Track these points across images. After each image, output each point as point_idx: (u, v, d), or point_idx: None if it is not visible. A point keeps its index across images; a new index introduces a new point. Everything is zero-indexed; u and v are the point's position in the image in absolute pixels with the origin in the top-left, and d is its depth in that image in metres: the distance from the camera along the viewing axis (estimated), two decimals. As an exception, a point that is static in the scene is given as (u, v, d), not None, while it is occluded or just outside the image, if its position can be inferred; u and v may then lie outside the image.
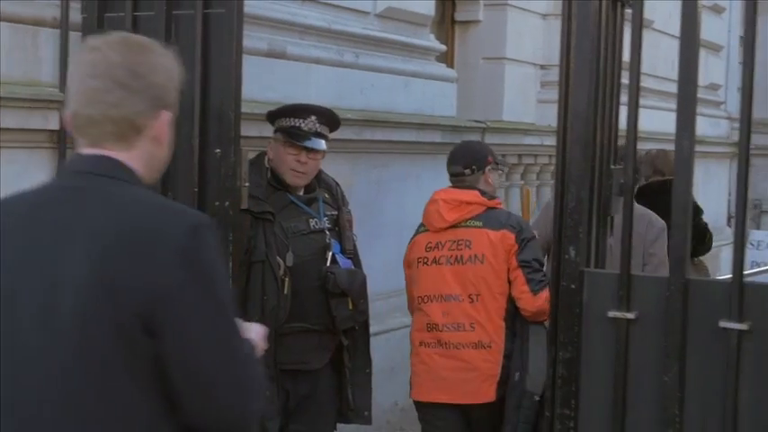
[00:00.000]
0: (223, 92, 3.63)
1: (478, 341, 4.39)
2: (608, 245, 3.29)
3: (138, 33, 3.83)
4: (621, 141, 3.29)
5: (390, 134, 6.20)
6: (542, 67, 8.67)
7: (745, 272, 5.96)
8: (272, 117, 4.37)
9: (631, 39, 3.05)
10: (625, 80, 3.13)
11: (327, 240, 4.28)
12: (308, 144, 4.22)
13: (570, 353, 3.05)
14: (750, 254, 9.37)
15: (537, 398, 4.20)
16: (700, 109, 10.90)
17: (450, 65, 7.99)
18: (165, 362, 1.97)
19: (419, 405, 4.62)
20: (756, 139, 13.60)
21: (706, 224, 6.29)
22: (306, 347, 4.22)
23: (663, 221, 4.96)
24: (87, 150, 2.10)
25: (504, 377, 4.38)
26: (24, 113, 4.01)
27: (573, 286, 3.05)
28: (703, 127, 11.06)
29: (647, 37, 8.98)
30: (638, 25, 3.04)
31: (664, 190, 5.29)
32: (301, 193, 4.33)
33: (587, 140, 3.08)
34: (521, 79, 8.50)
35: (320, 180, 4.44)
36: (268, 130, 4.51)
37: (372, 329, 4.65)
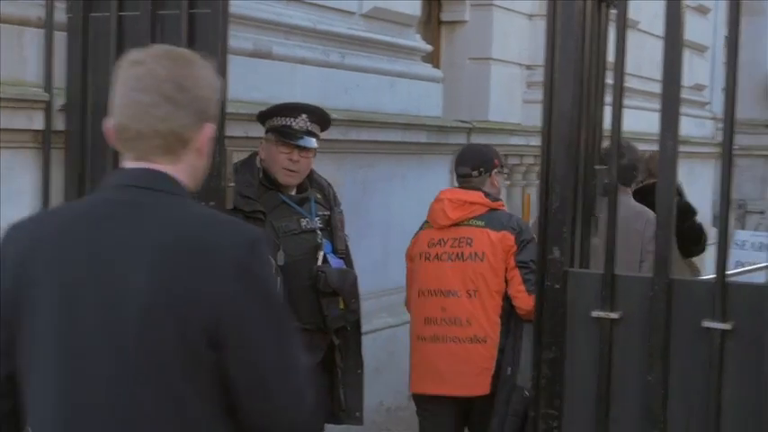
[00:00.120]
0: (208, 92, 3.62)
1: (474, 336, 4.52)
2: (595, 244, 3.30)
3: (123, 34, 3.85)
4: (607, 142, 3.31)
5: (376, 134, 6.21)
6: (528, 67, 8.69)
7: (729, 272, 6.01)
8: (263, 117, 4.37)
9: (616, 39, 3.06)
10: (610, 80, 3.14)
11: (319, 240, 4.29)
12: (300, 143, 4.23)
13: (554, 353, 3.05)
14: (735, 254, 9.39)
15: (527, 393, 4.24)
16: (684, 109, 10.89)
17: (437, 65, 8.00)
18: (226, 370, 2.04)
19: (417, 398, 4.75)
20: (741, 140, 13.66)
21: (701, 225, 6.34)
22: None
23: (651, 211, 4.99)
24: (134, 164, 2.12)
25: (497, 371, 4.50)
26: (9, 113, 4.00)
27: (557, 286, 3.06)
28: (688, 127, 11.09)
29: (633, 37, 9.02)
30: (623, 26, 3.05)
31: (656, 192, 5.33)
32: (293, 192, 4.33)
33: (571, 140, 3.09)
34: (507, 79, 8.51)
35: (312, 180, 4.45)
36: (254, 130, 4.51)
37: (359, 329, 4.66)
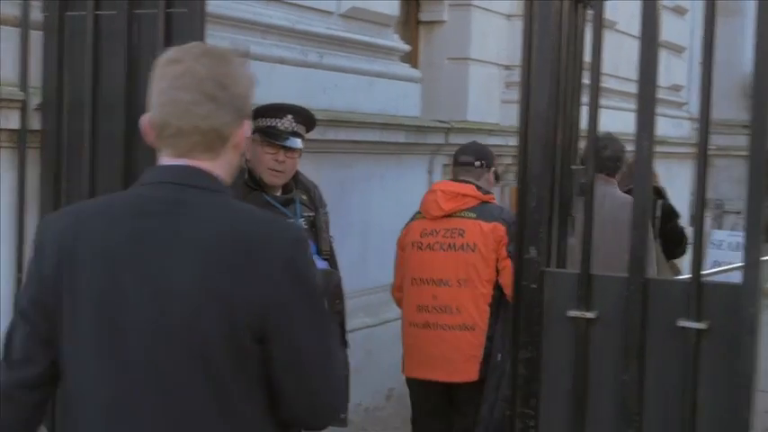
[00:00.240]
0: (185, 91, 3.61)
1: (463, 323, 4.71)
2: (573, 244, 3.31)
3: (99, 33, 3.83)
4: (584, 142, 3.32)
5: (354, 134, 6.20)
6: (506, 67, 8.70)
7: (705, 271, 6.04)
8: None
9: (593, 39, 3.07)
10: (587, 80, 3.15)
11: None
12: (286, 143, 4.25)
13: (531, 352, 3.06)
14: (712, 254, 9.45)
15: None
16: (662, 110, 10.95)
17: (415, 65, 8.00)
18: (271, 365, 2.10)
19: (408, 381, 4.95)
20: (718, 140, 13.73)
21: (683, 228, 6.43)
22: None
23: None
24: (175, 161, 2.14)
25: (486, 358, 4.66)
26: (-16, 112, 3.98)
27: (534, 286, 3.07)
28: (665, 128, 11.14)
29: (611, 38, 9.05)
30: (599, 26, 3.06)
31: None
32: (278, 193, 4.34)
33: (548, 140, 3.10)
34: (485, 79, 8.53)
35: (298, 182, 4.46)
36: (231, 129, 4.49)
37: (337, 329, 4.66)
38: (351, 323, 5.80)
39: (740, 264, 2.87)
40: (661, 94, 11.61)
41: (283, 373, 2.12)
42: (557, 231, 3.20)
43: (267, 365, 2.10)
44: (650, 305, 2.92)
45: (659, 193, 6.30)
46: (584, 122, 3.30)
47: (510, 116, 7.93)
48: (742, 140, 2.86)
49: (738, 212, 12.48)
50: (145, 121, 2.17)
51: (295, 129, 4.30)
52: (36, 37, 4.08)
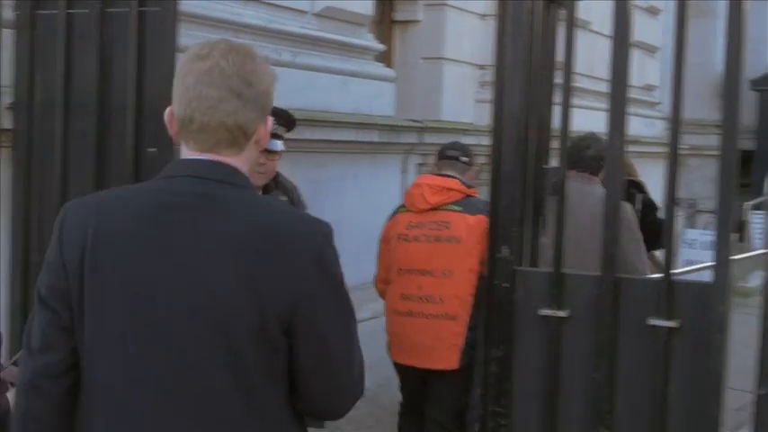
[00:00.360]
0: (158, 90, 3.60)
1: (445, 313, 4.79)
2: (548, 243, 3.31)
3: (72, 31, 3.81)
4: (556, 141, 3.32)
5: (328, 134, 6.20)
6: (481, 67, 8.72)
7: (676, 270, 6.08)
8: None
9: (565, 39, 3.08)
10: (559, 80, 3.16)
11: None
12: (268, 146, 4.22)
13: (503, 350, 3.07)
14: (684, 253, 9.47)
15: None
16: (635, 109, 11.01)
17: (389, 64, 8.00)
18: (297, 357, 2.15)
19: (395, 364, 5.07)
20: (691, 140, 13.79)
21: (661, 220, 6.51)
22: None
23: (624, 202, 5.18)
24: (200, 155, 2.17)
25: (466, 347, 4.74)
26: (-45, 111, 3.96)
27: (506, 285, 3.07)
28: (639, 127, 11.20)
29: (585, 38, 9.08)
30: (571, 26, 3.07)
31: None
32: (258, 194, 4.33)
33: (520, 140, 3.11)
34: (459, 79, 8.54)
35: (278, 183, 4.46)
36: (204, 128, 4.48)
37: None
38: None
39: (711, 263, 2.88)
40: (634, 94, 11.69)
41: (310, 364, 2.17)
42: (529, 230, 3.20)
43: (293, 357, 2.15)
44: (621, 303, 2.94)
45: (639, 186, 6.52)
46: (556, 122, 3.31)
47: (484, 116, 7.93)
48: (715, 140, 2.88)
49: (711, 212, 12.53)
50: (168, 114, 2.20)
51: (276, 131, 4.29)
52: (8, 35, 4.06)
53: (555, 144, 3.38)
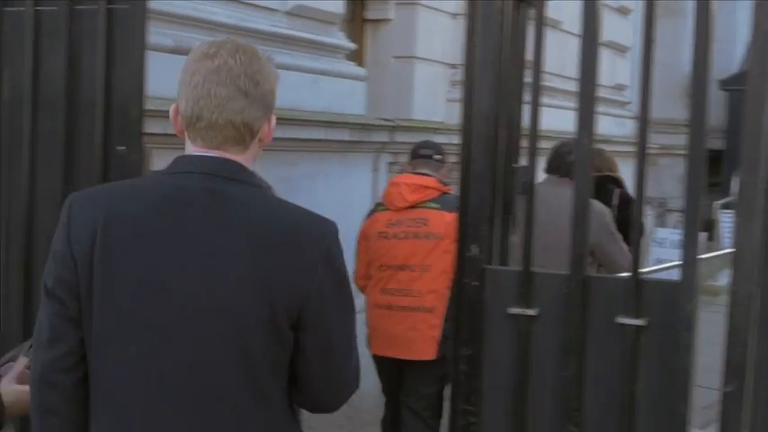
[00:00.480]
0: (127, 88, 3.58)
1: (422, 306, 5.05)
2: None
3: (39, 28, 3.78)
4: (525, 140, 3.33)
5: (299, 132, 6.19)
6: (452, 66, 8.73)
7: (645, 269, 6.15)
8: None
9: (535, 39, 3.08)
10: (529, 79, 3.17)
11: None
12: None
13: (472, 349, 3.07)
14: (655, 251, 9.55)
15: None
16: (605, 109, 11.05)
17: (361, 63, 8.00)
18: (303, 350, 2.22)
19: (374, 357, 5.30)
20: (661, 139, 13.84)
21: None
22: None
23: (601, 204, 5.49)
24: (207, 152, 2.24)
25: (443, 338, 4.97)
26: None
27: (475, 283, 3.08)
28: (609, 127, 11.25)
29: (556, 37, 9.11)
30: (540, 25, 3.07)
31: (600, 184, 5.75)
32: None
33: (489, 138, 3.11)
34: (430, 78, 8.55)
35: None
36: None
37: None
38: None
39: (678, 262, 2.90)
40: (605, 94, 11.76)
41: (315, 358, 2.24)
42: (499, 229, 3.21)
43: (298, 351, 2.22)
44: (590, 302, 2.95)
45: (617, 181, 6.65)
46: (527, 121, 3.31)
47: (455, 115, 7.91)
48: (685, 140, 2.90)
49: (681, 210, 12.59)
50: (173, 110, 2.27)
51: None
52: (-26, 32, 4.02)
53: (526, 143, 3.39)
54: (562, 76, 9.29)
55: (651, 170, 14.97)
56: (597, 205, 5.61)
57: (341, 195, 6.57)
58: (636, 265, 2.92)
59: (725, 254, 7.08)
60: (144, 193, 2.26)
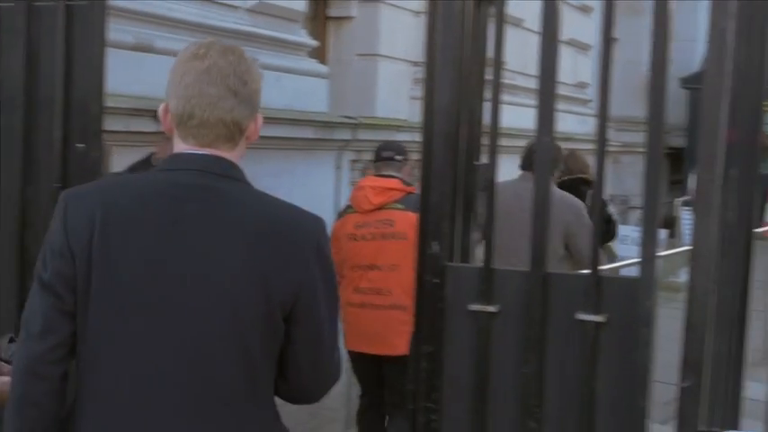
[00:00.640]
0: (86, 85, 3.55)
1: (393, 303, 5.24)
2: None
3: (-3, 24, 3.75)
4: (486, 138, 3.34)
5: (263, 130, 6.11)
6: (415, 64, 8.74)
7: (606, 266, 6.21)
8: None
9: (495, 37, 3.09)
10: (491, 77, 3.17)
11: None
12: None
13: (433, 346, 3.08)
14: (617, 248, 9.60)
15: None
16: (567, 107, 11.07)
17: (324, 61, 7.99)
18: (294, 342, 2.31)
19: (349, 353, 5.49)
20: (623, 137, 13.87)
21: (611, 215, 6.98)
22: None
23: (577, 199, 5.87)
24: (199, 150, 2.31)
25: None
26: None
27: (436, 281, 3.08)
28: (572, 124, 11.30)
29: (518, 35, 9.14)
30: (500, 23, 3.08)
31: (573, 186, 5.94)
32: None
33: (450, 136, 3.12)
34: (394, 76, 8.56)
35: None
36: (135, 124, 4.46)
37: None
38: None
39: (637, 259, 2.92)
40: (567, 92, 11.81)
41: (304, 349, 2.33)
42: (460, 226, 3.22)
43: (289, 342, 2.30)
44: (550, 299, 2.96)
45: (590, 184, 6.90)
46: (488, 118, 3.32)
47: (418, 112, 7.90)
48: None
49: (642, 208, 12.68)
50: (163, 110, 2.36)
51: None
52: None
53: (487, 140, 3.40)
54: (524, 74, 9.32)
55: (613, 168, 15.06)
56: (574, 199, 5.96)
57: (305, 193, 6.56)
58: (595, 261, 2.94)
59: (685, 251, 7.14)
60: (139, 190, 2.32)
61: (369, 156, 7.67)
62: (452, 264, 3.12)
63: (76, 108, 3.56)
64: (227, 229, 2.23)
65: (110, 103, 3.77)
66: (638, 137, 12.57)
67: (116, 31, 4.51)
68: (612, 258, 7.23)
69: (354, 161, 7.56)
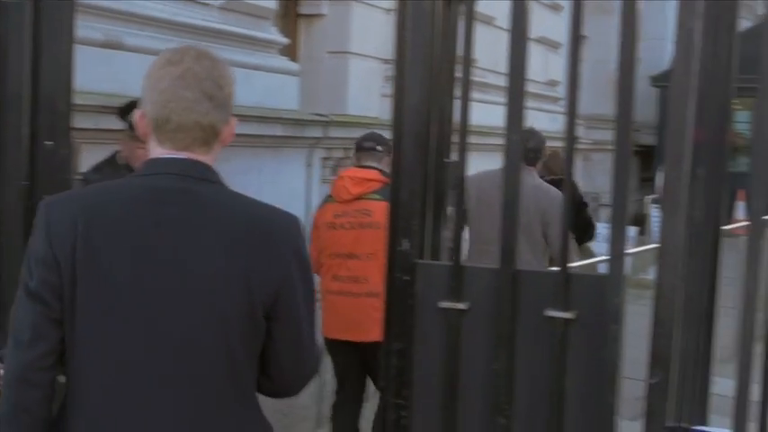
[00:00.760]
0: (55, 82, 3.53)
1: (369, 291, 5.35)
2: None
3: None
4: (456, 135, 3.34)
5: (232, 128, 6.15)
6: (386, 61, 8.74)
7: (574, 263, 6.26)
8: (123, 113, 4.31)
9: (464, 35, 3.09)
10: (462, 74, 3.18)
11: None
12: None
13: (403, 343, 3.08)
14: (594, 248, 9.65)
15: None
16: (538, 104, 11.10)
17: (295, 58, 7.98)
18: (274, 340, 2.37)
19: (326, 341, 5.60)
20: (594, 135, 13.91)
21: (590, 216, 7.13)
22: None
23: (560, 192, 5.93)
24: (176, 154, 2.35)
25: None
26: None
27: (406, 278, 3.09)
28: (543, 122, 11.32)
29: (489, 34, 9.17)
30: (470, 21, 3.09)
31: (555, 186, 6.05)
32: None
33: (420, 134, 3.12)
34: (365, 73, 8.56)
35: None
36: (104, 122, 4.44)
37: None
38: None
39: (605, 257, 2.93)
40: (537, 89, 11.86)
41: (285, 346, 2.39)
42: (431, 224, 3.22)
43: (270, 340, 2.36)
44: (520, 296, 2.97)
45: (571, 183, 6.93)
46: (459, 116, 3.33)
47: (390, 110, 7.94)
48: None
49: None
50: (139, 115, 2.39)
51: None
52: None
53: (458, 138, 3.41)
54: (496, 72, 9.34)
55: (584, 165, 15.11)
56: (551, 188, 6.13)
57: (274, 190, 6.55)
58: (564, 258, 2.95)
59: (655, 248, 7.22)
60: (120, 195, 2.35)
61: (340, 153, 7.68)
62: (422, 261, 3.12)
63: (44, 105, 3.54)
64: (208, 231, 2.28)
65: (78, 100, 3.74)
66: (609, 134, 12.66)
67: (85, 27, 4.48)
68: (591, 257, 7.45)
69: (325, 158, 7.56)
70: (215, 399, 2.29)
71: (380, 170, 5.55)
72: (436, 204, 3.22)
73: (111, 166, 4.17)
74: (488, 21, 9.18)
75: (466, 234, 6.36)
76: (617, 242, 2.85)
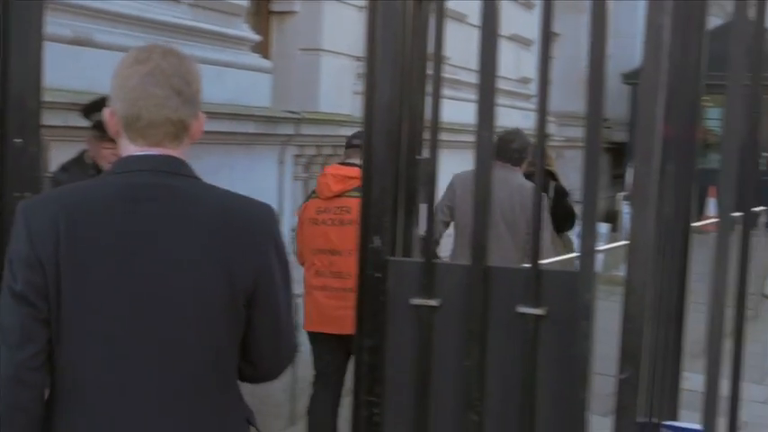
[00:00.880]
0: (24, 80, 3.50)
1: (352, 286, 5.16)
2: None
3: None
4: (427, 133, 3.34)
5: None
6: (358, 59, 8.73)
7: (552, 258, 6.27)
8: (87, 112, 4.27)
9: (435, 32, 3.10)
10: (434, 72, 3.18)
11: None
12: None
13: (375, 340, 3.08)
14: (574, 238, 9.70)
15: None
16: (511, 101, 11.10)
17: (267, 55, 7.96)
18: (254, 327, 2.46)
19: (310, 335, 5.85)
20: (567, 132, 13.96)
21: (571, 206, 7.33)
22: None
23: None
24: (148, 150, 2.42)
25: None
26: None
27: (378, 275, 3.09)
28: (516, 119, 11.34)
29: (461, 31, 9.18)
30: (440, 19, 3.09)
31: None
32: None
33: (391, 131, 3.13)
34: (337, 71, 8.54)
35: None
36: (73, 119, 4.40)
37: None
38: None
39: (576, 254, 2.94)
40: (509, 87, 11.88)
41: (264, 333, 2.49)
42: (402, 221, 3.22)
43: (250, 327, 2.45)
44: (491, 292, 2.97)
45: (552, 175, 7.51)
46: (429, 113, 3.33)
47: (361, 107, 7.95)
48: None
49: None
50: (108, 114, 2.46)
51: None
52: None
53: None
54: (468, 69, 9.35)
55: (556, 162, 15.15)
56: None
57: (246, 188, 6.48)
58: (536, 255, 2.96)
59: (626, 244, 7.28)
60: (98, 193, 2.41)
61: (312, 151, 7.67)
62: (394, 258, 3.12)
63: (14, 103, 3.50)
64: (186, 224, 2.35)
65: (48, 97, 3.71)
66: (581, 132, 12.71)
67: (54, 24, 4.45)
68: (570, 247, 7.58)
69: (298, 156, 7.54)
70: (200, 387, 2.37)
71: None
72: (407, 201, 3.22)
73: (78, 165, 4.14)
74: (460, 18, 9.19)
75: (451, 229, 6.42)
76: (587, 239, 2.86)
